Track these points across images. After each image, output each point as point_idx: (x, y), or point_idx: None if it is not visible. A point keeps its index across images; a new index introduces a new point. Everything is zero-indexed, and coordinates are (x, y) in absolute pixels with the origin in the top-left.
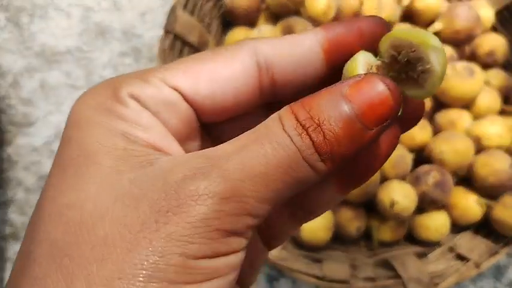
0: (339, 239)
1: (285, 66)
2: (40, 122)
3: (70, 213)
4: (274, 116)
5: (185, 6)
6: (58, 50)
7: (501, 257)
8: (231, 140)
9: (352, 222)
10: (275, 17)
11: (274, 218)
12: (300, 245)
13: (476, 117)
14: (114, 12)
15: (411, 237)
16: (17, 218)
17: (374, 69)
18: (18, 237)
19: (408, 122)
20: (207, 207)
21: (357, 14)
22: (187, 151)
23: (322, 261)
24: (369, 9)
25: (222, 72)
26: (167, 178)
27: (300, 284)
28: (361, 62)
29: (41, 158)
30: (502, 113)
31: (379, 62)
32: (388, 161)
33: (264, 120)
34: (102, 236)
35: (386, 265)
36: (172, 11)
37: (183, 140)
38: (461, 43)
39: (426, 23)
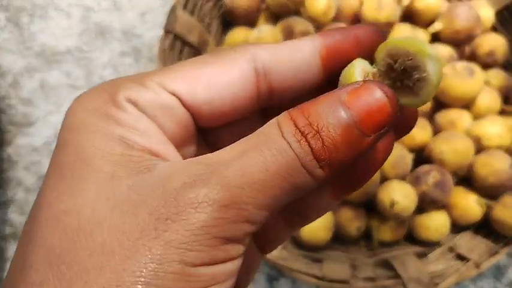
0: (339, 239)
1: (283, 73)
2: (40, 122)
3: (67, 219)
4: (273, 122)
5: (185, 6)
6: (58, 50)
7: (501, 257)
8: (229, 146)
9: (352, 222)
10: (275, 17)
11: (270, 224)
12: (300, 245)
13: (476, 117)
14: (114, 12)
15: (411, 237)
16: (17, 218)
17: (370, 77)
18: (18, 237)
19: (401, 130)
20: (207, 215)
21: (357, 14)
22: (183, 156)
23: (322, 261)
24: (369, 9)
25: (220, 78)
26: (166, 185)
27: (299, 284)
28: (358, 69)
29: (41, 158)
30: (502, 113)
31: (375, 70)
32: (388, 161)
33: (261, 125)
34: (100, 242)
35: (386, 265)
36: (172, 11)
37: (179, 144)
38: (461, 43)
39: (426, 23)
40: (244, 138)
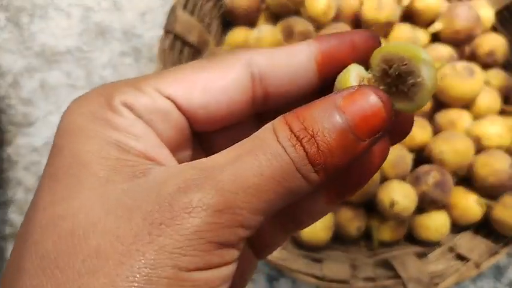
0: (339, 239)
1: (279, 78)
2: (40, 122)
3: (61, 224)
4: (268, 126)
5: (185, 6)
6: (58, 50)
7: (501, 257)
8: (224, 151)
9: (352, 222)
10: (275, 17)
11: (265, 228)
12: (300, 245)
13: (476, 117)
14: (114, 12)
15: (411, 237)
16: (17, 218)
17: (366, 82)
18: None
19: (397, 135)
20: (201, 220)
21: (357, 14)
22: (179, 160)
23: (322, 261)
24: (369, 9)
25: (216, 82)
26: (161, 190)
27: (299, 284)
28: (354, 74)
29: (41, 158)
30: (502, 113)
31: (370, 75)
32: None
33: (256, 130)
34: (94, 247)
35: (386, 265)
36: (172, 11)
37: (175, 148)
38: (461, 43)
39: (426, 23)
40: (239, 142)
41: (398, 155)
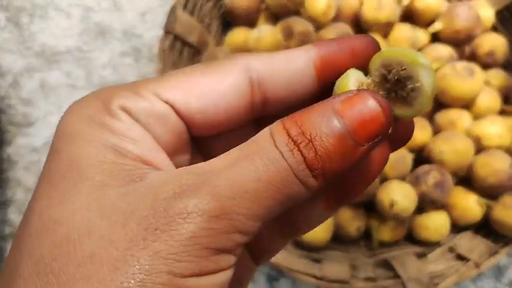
0: (338, 239)
1: (277, 83)
2: (40, 122)
3: (57, 228)
4: (266, 130)
5: (185, 7)
6: (58, 50)
7: (501, 257)
8: (221, 155)
9: (352, 222)
10: (275, 17)
11: (263, 234)
12: (300, 245)
13: (476, 117)
14: (114, 12)
15: (411, 237)
16: (17, 218)
17: (365, 87)
18: None
19: (397, 142)
20: (196, 225)
21: (357, 14)
22: (176, 164)
23: (322, 261)
24: (369, 9)
25: (214, 87)
26: (156, 195)
27: (299, 284)
28: (352, 79)
29: (40, 158)
30: (502, 113)
31: (369, 80)
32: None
33: (255, 134)
34: (88, 252)
35: (386, 265)
36: (172, 11)
37: (173, 153)
38: (461, 43)
39: (426, 23)
40: (237, 147)
41: (398, 155)
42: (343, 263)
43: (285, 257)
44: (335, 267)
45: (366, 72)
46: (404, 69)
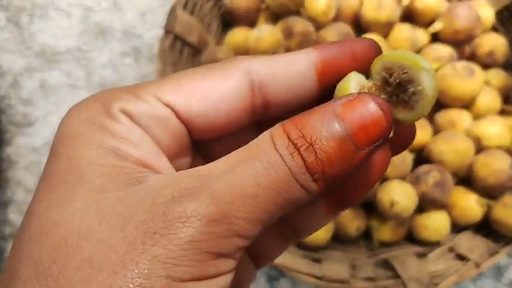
0: (339, 239)
1: (278, 86)
2: (40, 122)
3: (56, 231)
4: (266, 134)
5: (185, 6)
6: (58, 50)
7: (501, 257)
8: (221, 159)
9: (352, 222)
10: (275, 17)
11: (263, 238)
12: (300, 244)
13: (476, 117)
14: (114, 12)
15: (411, 237)
16: (17, 218)
17: (366, 91)
18: None
19: (398, 147)
20: (195, 230)
21: (357, 14)
22: (177, 168)
23: (321, 261)
24: (369, 9)
25: (215, 90)
26: (155, 198)
27: (299, 284)
28: (353, 82)
29: (40, 158)
30: (502, 113)
31: (370, 84)
32: None
33: (255, 138)
34: (87, 256)
35: (386, 265)
36: (172, 11)
37: (173, 156)
38: (461, 43)
39: (426, 23)
40: (237, 150)
41: (398, 155)
42: (343, 263)
43: (285, 257)
44: (335, 267)
45: (367, 76)
46: (406, 72)
